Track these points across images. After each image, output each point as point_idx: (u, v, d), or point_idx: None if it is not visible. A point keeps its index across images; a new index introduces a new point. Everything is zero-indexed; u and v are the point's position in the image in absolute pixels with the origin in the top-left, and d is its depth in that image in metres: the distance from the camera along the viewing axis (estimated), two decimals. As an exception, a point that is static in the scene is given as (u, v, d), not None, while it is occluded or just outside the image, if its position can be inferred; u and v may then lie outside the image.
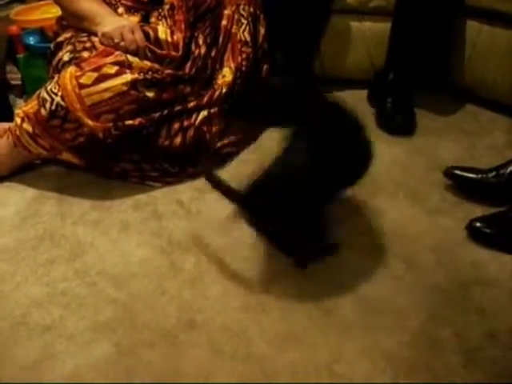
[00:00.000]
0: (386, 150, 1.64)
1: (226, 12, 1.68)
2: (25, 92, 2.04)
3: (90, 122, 1.41)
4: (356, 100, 1.88)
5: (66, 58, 1.54)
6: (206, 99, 1.57)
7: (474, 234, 1.34)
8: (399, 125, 1.74)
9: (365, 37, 1.92)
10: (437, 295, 1.19)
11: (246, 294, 1.19)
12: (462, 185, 1.47)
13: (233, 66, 1.65)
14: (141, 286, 1.23)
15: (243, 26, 1.69)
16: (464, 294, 1.20)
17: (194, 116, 1.54)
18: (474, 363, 1.05)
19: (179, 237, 1.35)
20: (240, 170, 1.57)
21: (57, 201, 1.50)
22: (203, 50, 1.61)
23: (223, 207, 1.43)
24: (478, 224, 1.34)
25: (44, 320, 1.15)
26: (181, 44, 1.56)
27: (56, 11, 1.84)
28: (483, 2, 1.73)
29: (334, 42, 1.92)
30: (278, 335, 1.09)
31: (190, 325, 1.12)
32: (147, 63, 1.47)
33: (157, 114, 1.48)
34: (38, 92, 1.46)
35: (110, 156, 1.51)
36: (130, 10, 1.60)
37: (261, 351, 1.07)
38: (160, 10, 1.61)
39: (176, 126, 1.52)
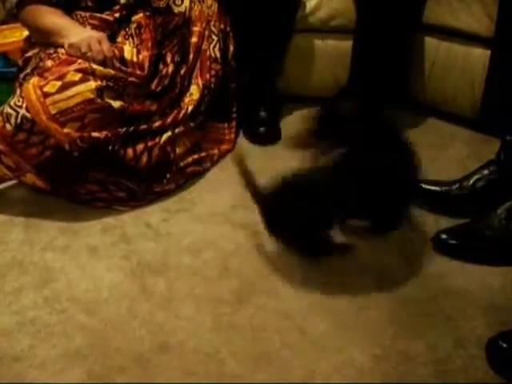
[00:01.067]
0: (352, 166, 1.66)
1: (196, 29, 1.68)
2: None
3: (56, 131, 1.40)
4: (321, 117, 1.92)
5: (29, 69, 1.54)
6: (170, 119, 1.58)
7: (440, 245, 1.36)
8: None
9: (328, 55, 1.95)
10: (407, 307, 1.21)
11: (217, 314, 1.19)
12: (426, 198, 1.50)
13: (200, 83, 1.66)
14: (112, 311, 1.21)
15: (213, 43, 1.70)
16: (433, 306, 1.22)
17: (158, 136, 1.55)
18: (445, 374, 1.07)
19: (149, 259, 1.35)
20: (208, 189, 1.58)
21: (24, 227, 1.48)
22: (171, 69, 1.61)
23: (192, 228, 1.45)
24: (444, 236, 1.36)
25: (13, 349, 1.13)
26: (146, 63, 1.56)
27: (18, 35, 1.84)
28: (440, 20, 1.78)
29: (298, 60, 1.94)
30: (251, 355, 1.10)
31: (162, 348, 1.12)
32: (110, 71, 1.47)
33: (122, 129, 1.48)
34: (1, 109, 1.44)
35: (76, 176, 1.49)
36: (96, 30, 1.60)
37: (233, 371, 1.07)
38: (127, 29, 1.62)
39: (141, 145, 1.52)
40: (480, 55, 1.73)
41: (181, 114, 1.60)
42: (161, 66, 1.60)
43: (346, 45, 1.88)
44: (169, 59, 1.62)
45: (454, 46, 1.80)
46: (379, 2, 1.73)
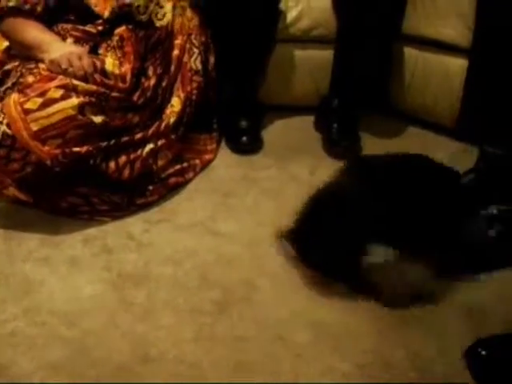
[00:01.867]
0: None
1: (178, 42, 1.69)
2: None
3: (37, 148, 1.39)
4: (303, 126, 1.94)
5: (9, 83, 1.53)
6: (151, 131, 1.58)
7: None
8: (345, 150, 1.78)
9: (309, 64, 1.96)
10: (389, 315, 1.22)
11: (198, 324, 1.19)
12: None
13: (182, 95, 1.66)
14: (93, 323, 1.21)
15: (195, 55, 1.70)
16: (415, 314, 1.22)
17: (140, 149, 1.55)
18: (426, 381, 1.08)
19: (130, 270, 1.34)
20: (189, 199, 1.58)
21: (4, 239, 1.46)
22: (153, 82, 1.61)
23: (173, 238, 1.45)
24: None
25: (-7, 363, 1.12)
26: (128, 76, 1.56)
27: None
28: (419, 31, 1.80)
29: (279, 70, 1.96)
30: (232, 365, 1.10)
31: (143, 359, 1.11)
32: (92, 86, 1.47)
33: (104, 143, 1.47)
34: None
35: (58, 190, 1.49)
36: (79, 41, 1.60)
37: (215, 382, 1.07)
38: (109, 42, 1.61)
39: (123, 158, 1.52)
40: (459, 65, 1.75)
41: (162, 126, 1.60)
42: (143, 79, 1.60)
43: (327, 54, 1.90)
44: (151, 72, 1.62)
45: (433, 57, 1.83)
46: (359, 13, 1.75)
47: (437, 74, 1.82)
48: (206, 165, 1.72)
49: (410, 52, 1.87)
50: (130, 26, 1.62)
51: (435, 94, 1.84)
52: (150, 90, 1.61)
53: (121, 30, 1.61)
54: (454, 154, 1.79)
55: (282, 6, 1.88)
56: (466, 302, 1.25)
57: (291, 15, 1.90)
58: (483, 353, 1.08)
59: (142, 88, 1.59)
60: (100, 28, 1.61)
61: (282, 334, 1.17)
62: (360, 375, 1.08)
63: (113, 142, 1.49)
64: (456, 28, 1.70)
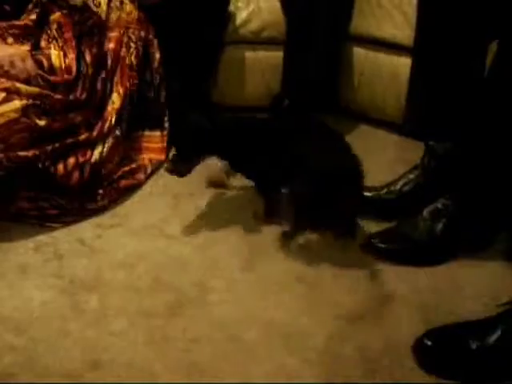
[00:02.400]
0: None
1: (114, 34, 1.67)
2: None
3: None
4: (255, 126, 1.95)
5: None
6: (96, 132, 1.56)
7: (371, 250, 1.40)
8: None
9: (260, 65, 1.98)
10: (339, 312, 1.23)
11: (150, 327, 1.19)
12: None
13: (121, 90, 1.64)
14: (43, 330, 1.19)
15: (131, 50, 1.69)
16: (364, 308, 1.25)
17: (88, 152, 1.53)
18: (374, 374, 1.10)
19: (82, 276, 1.33)
20: (141, 202, 1.58)
21: (-49, 247, 1.44)
22: (91, 71, 1.59)
23: (126, 242, 1.44)
24: (374, 240, 1.40)
25: None
26: (74, 66, 1.55)
27: None
28: (366, 31, 1.84)
29: (230, 71, 1.97)
30: (184, 367, 1.10)
31: (94, 365, 1.10)
32: (36, 89, 1.45)
33: (49, 146, 1.46)
34: None
35: (5, 194, 1.46)
36: (19, 39, 1.57)
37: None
38: (48, 32, 1.59)
39: (72, 160, 1.50)
40: (405, 64, 1.79)
41: (105, 126, 1.59)
42: (82, 65, 1.58)
43: (277, 55, 1.92)
44: (88, 58, 1.60)
45: (380, 56, 1.87)
46: (306, 14, 1.78)
47: (385, 73, 1.86)
48: (156, 165, 1.71)
49: (358, 52, 1.91)
50: (65, 11, 1.60)
51: (384, 93, 1.88)
52: (89, 80, 1.58)
53: (56, 16, 1.60)
54: (403, 151, 1.83)
55: (231, 7, 1.89)
56: (412, 296, 1.28)
57: (241, 17, 1.92)
58: (429, 343, 1.11)
59: (82, 77, 1.56)
60: (33, 17, 1.59)
61: (233, 334, 1.17)
62: (309, 371, 1.09)
63: (57, 144, 1.47)
64: (400, 27, 1.75)
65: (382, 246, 1.39)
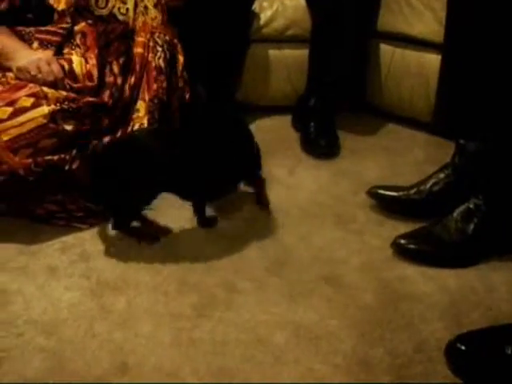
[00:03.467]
0: (312, 174, 1.67)
1: (140, 39, 1.67)
2: None
3: (9, 158, 1.38)
4: (280, 126, 1.94)
5: None
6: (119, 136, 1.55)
7: (400, 250, 1.38)
8: (323, 148, 1.78)
9: (285, 64, 1.97)
10: (367, 314, 1.22)
11: (178, 330, 1.18)
12: (385, 203, 1.52)
13: (147, 97, 1.63)
14: (71, 332, 1.19)
15: (158, 54, 1.69)
16: (393, 311, 1.23)
17: None
18: (406, 379, 1.08)
19: (108, 277, 1.33)
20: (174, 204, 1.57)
21: (-20, 249, 1.45)
22: (119, 80, 1.59)
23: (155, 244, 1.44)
24: (403, 241, 1.38)
25: (-32, 378, 1.11)
26: (95, 72, 1.55)
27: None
28: (393, 27, 1.81)
29: (255, 70, 1.96)
30: (211, 370, 1.09)
31: (122, 368, 1.10)
32: (63, 93, 1.45)
33: (75, 150, 1.46)
34: None
35: (33, 197, 1.47)
36: (44, 44, 1.58)
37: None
38: (72, 41, 1.60)
39: None
40: (433, 60, 1.76)
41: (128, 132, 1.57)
42: (107, 75, 1.58)
43: (302, 53, 1.90)
44: (115, 68, 1.60)
45: (408, 52, 1.84)
46: (333, 11, 1.75)
47: (412, 70, 1.83)
48: None
49: (385, 48, 1.89)
50: (90, 21, 1.61)
51: (411, 90, 1.85)
52: (118, 89, 1.58)
53: (81, 26, 1.61)
54: (431, 150, 1.80)
55: (256, 6, 1.88)
56: (442, 298, 1.26)
57: (265, 15, 1.91)
58: (463, 348, 1.08)
59: (109, 86, 1.56)
60: (64, 25, 1.59)
61: (261, 336, 1.16)
62: (338, 376, 1.08)
63: (83, 147, 1.47)
64: (429, 23, 1.72)
65: (412, 246, 1.37)
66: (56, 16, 1.60)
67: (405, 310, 1.23)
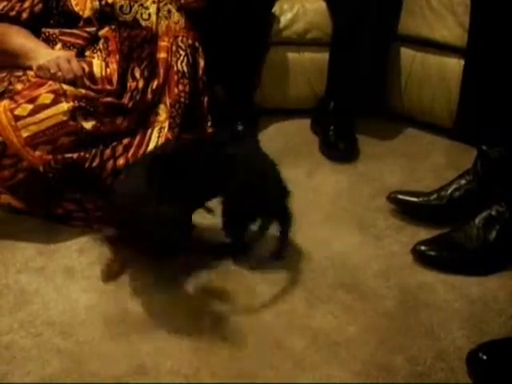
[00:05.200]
0: (331, 178, 1.66)
1: (164, 44, 1.67)
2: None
3: (29, 154, 1.38)
4: (299, 129, 1.93)
5: None
6: (137, 140, 1.54)
7: (420, 257, 1.36)
8: (342, 152, 1.77)
9: (305, 67, 1.96)
10: (386, 321, 1.20)
11: (196, 334, 1.17)
12: (405, 209, 1.51)
13: (168, 101, 1.63)
14: (88, 333, 1.19)
15: (181, 58, 1.68)
16: (413, 318, 1.21)
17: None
18: (427, 387, 1.06)
19: (125, 279, 1.33)
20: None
21: (-1, 248, 1.46)
22: (141, 84, 1.59)
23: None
24: (423, 247, 1.36)
25: (-13, 377, 1.11)
26: (115, 77, 1.55)
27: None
28: (414, 31, 1.80)
29: (274, 73, 1.95)
30: (230, 375, 1.08)
31: (139, 371, 1.09)
32: (82, 91, 1.46)
33: (94, 150, 1.46)
34: None
35: (52, 196, 1.47)
36: (67, 46, 1.59)
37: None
38: (95, 45, 1.61)
39: (121, 161, 1.50)
40: (455, 65, 1.74)
41: (147, 134, 1.56)
42: (129, 80, 1.58)
43: (322, 57, 1.89)
44: (137, 74, 1.60)
45: (429, 57, 1.83)
46: (355, 15, 1.74)
47: (433, 74, 1.82)
48: None
49: (406, 52, 1.87)
50: (113, 26, 1.61)
51: (432, 95, 1.83)
52: (139, 92, 1.58)
53: (104, 31, 1.61)
54: (452, 155, 1.78)
55: (276, 9, 1.87)
56: (463, 306, 1.24)
57: (286, 18, 1.90)
58: (484, 357, 1.07)
59: (129, 90, 1.57)
60: (90, 30, 1.60)
61: (279, 341, 1.15)
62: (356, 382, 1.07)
63: (101, 148, 1.47)
64: (451, 27, 1.70)
65: (432, 253, 1.35)
66: (81, 22, 1.60)
67: (425, 318, 1.21)
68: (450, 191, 1.47)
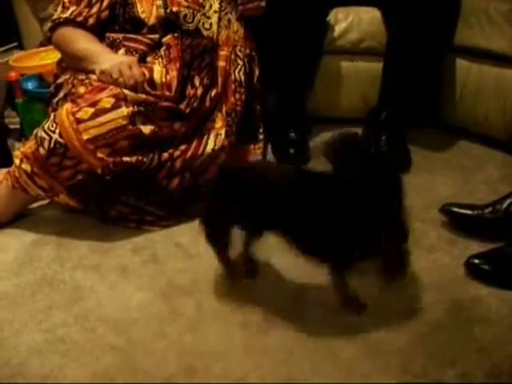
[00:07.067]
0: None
1: (223, 53, 1.70)
2: (23, 136, 2.06)
3: (89, 156, 1.42)
4: (350, 139, 1.92)
5: (61, 94, 1.58)
6: (193, 147, 1.57)
7: (473, 270, 1.34)
8: (394, 163, 1.75)
9: (357, 77, 1.95)
10: (439, 334, 1.19)
11: (247, 336, 1.19)
12: (458, 221, 1.48)
13: (224, 109, 1.66)
14: (141, 331, 1.22)
15: (239, 67, 1.71)
16: (465, 332, 1.19)
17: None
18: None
19: (179, 280, 1.35)
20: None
21: (55, 245, 1.50)
22: (200, 92, 1.62)
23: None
24: (477, 261, 1.34)
25: (43, 369, 1.14)
26: (174, 84, 1.58)
27: (54, 57, 1.88)
28: (471, 42, 1.77)
29: (327, 82, 1.95)
30: (279, 379, 1.08)
31: (189, 371, 1.11)
32: (142, 96, 1.49)
33: (151, 154, 1.49)
34: (35, 132, 1.47)
35: (107, 198, 1.51)
36: (130, 51, 1.63)
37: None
38: (157, 51, 1.64)
39: (178, 164, 1.53)
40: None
41: (203, 140, 1.59)
42: (189, 88, 1.61)
43: (376, 67, 1.88)
44: (197, 82, 1.63)
45: (485, 68, 1.79)
46: (410, 24, 1.73)
47: (489, 86, 1.78)
48: None
49: (461, 63, 1.84)
50: (176, 34, 1.63)
51: (487, 106, 1.80)
52: (198, 99, 1.61)
53: (167, 38, 1.63)
54: (506, 169, 1.75)
55: (330, 18, 1.87)
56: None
57: (340, 27, 1.90)
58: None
59: (188, 97, 1.60)
60: (153, 37, 1.63)
61: (330, 348, 1.15)
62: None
63: (158, 153, 1.50)
64: (509, 38, 1.67)
65: (486, 267, 1.33)
66: (145, 29, 1.64)
67: (478, 333, 1.19)
68: (505, 205, 1.44)
